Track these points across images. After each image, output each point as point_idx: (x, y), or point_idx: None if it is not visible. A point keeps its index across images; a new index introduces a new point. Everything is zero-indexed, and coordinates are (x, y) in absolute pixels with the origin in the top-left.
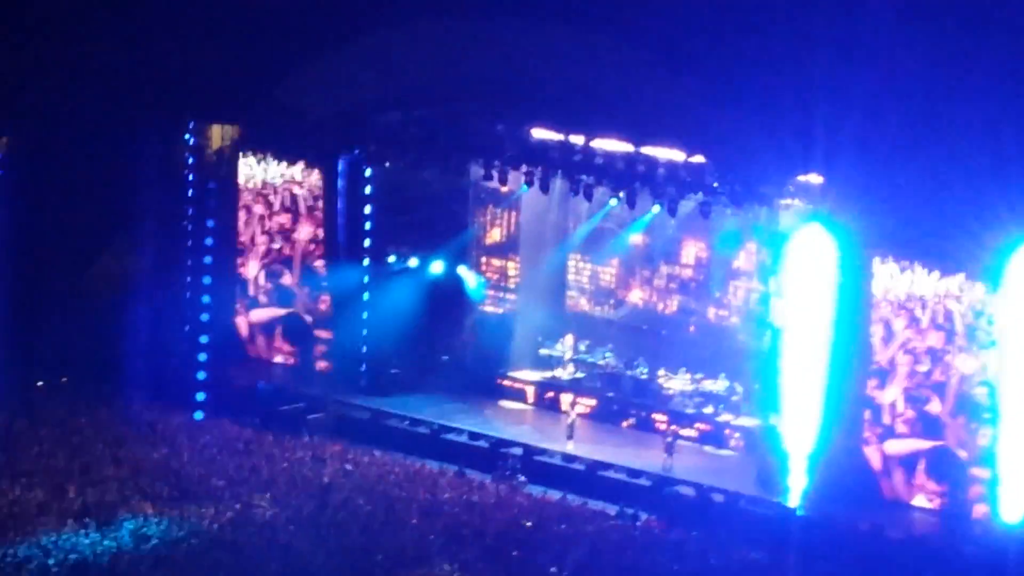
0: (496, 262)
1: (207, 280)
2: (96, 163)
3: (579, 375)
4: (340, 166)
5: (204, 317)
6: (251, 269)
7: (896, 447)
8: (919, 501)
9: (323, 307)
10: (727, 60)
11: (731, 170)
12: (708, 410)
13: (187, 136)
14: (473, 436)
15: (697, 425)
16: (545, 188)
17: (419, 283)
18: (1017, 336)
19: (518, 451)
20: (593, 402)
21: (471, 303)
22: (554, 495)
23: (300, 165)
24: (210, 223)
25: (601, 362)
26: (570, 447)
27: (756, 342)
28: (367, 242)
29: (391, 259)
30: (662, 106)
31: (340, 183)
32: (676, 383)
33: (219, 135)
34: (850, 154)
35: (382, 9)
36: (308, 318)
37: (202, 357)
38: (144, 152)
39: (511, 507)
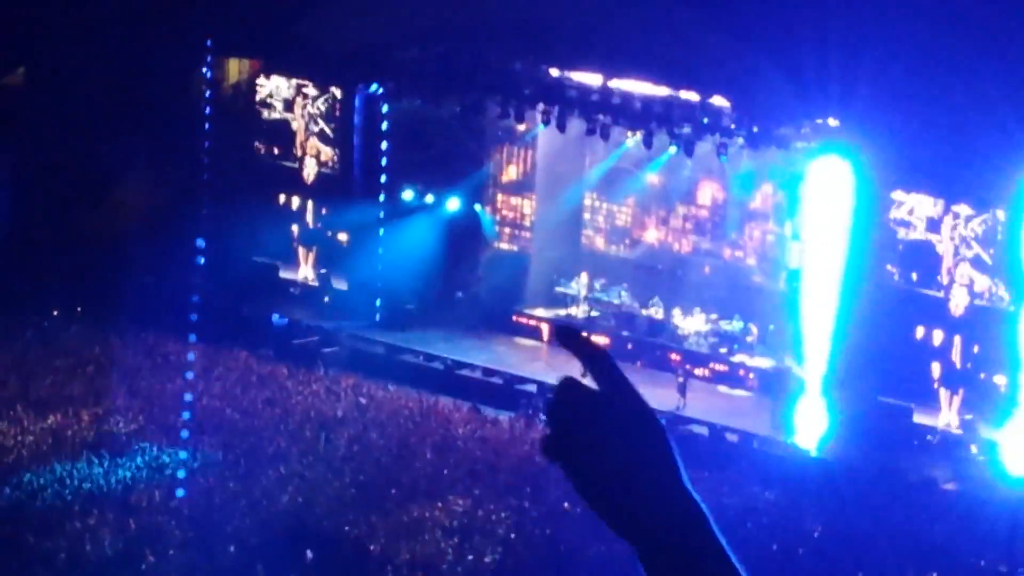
0: (513, 200)
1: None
2: (113, 95)
3: (594, 313)
4: (357, 102)
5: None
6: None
7: None
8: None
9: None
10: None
11: (747, 112)
12: (723, 350)
13: (204, 69)
14: (487, 372)
15: (712, 365)
16: (562, 127)
17: (435, 220)
18: None
19: (532, 388)
20: (607, 340)
21: (486, 241)
22: None
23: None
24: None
25: (616, 301)
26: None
27: (772, 283)
28: (383, 178)
29: (407, 195)
30: (679, 47)
31: (357, 119)
32: (691, 323)
33: (236, 69)
34: (865, 94)
35: None
36: None
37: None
38: (161, 85)
39: (525, 443)
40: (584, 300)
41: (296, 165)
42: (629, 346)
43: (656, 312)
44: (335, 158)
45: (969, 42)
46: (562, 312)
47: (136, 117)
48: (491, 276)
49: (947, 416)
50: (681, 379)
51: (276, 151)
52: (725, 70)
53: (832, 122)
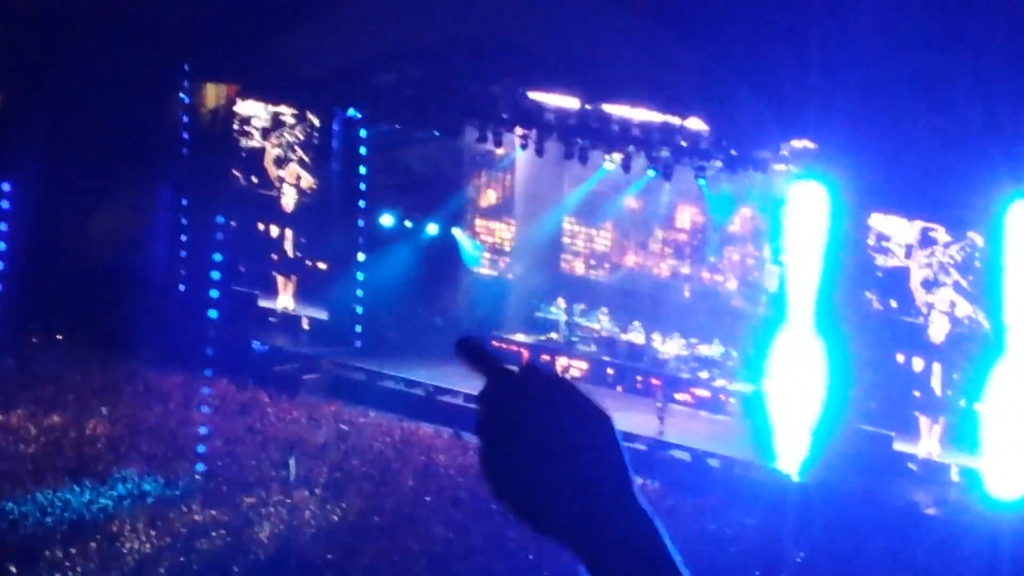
0: (491, 225)
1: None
2: (93, 120)
3: (573, 338)
4: (335, 127)
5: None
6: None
7: None
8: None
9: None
10: (720, 25)
11: (725, 135)
12: (703, 375)
13: (181, 95)
14: (468, 398)
15: (692, 390)
16: (540, 151)
17: (413, 245)
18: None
19: None
20: (586, 365)
21: (465, 266)
22: None
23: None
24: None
25: (596, 326)
26: None
27: (751, 307)
28: (362, 204)
29: (386, 221)
30: (657, 70)
31: (335, 144)
32: (670, 347)
33: (214, 94)
34: (843, 116)
35: None
36: None
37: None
38: (139, 110)
39: None
40: (564, 325)
41: (275, 193)
42: (610, 371)
43: (636, 337)
44: (314, 185)
45: (948, 65)
46: (542, 337)
47: (114, 143)
48: (471, 301)
49: (928, 444)
50: (660, 404)
51: (254, 179)
52: (703, 93)
53: (809, 145)
